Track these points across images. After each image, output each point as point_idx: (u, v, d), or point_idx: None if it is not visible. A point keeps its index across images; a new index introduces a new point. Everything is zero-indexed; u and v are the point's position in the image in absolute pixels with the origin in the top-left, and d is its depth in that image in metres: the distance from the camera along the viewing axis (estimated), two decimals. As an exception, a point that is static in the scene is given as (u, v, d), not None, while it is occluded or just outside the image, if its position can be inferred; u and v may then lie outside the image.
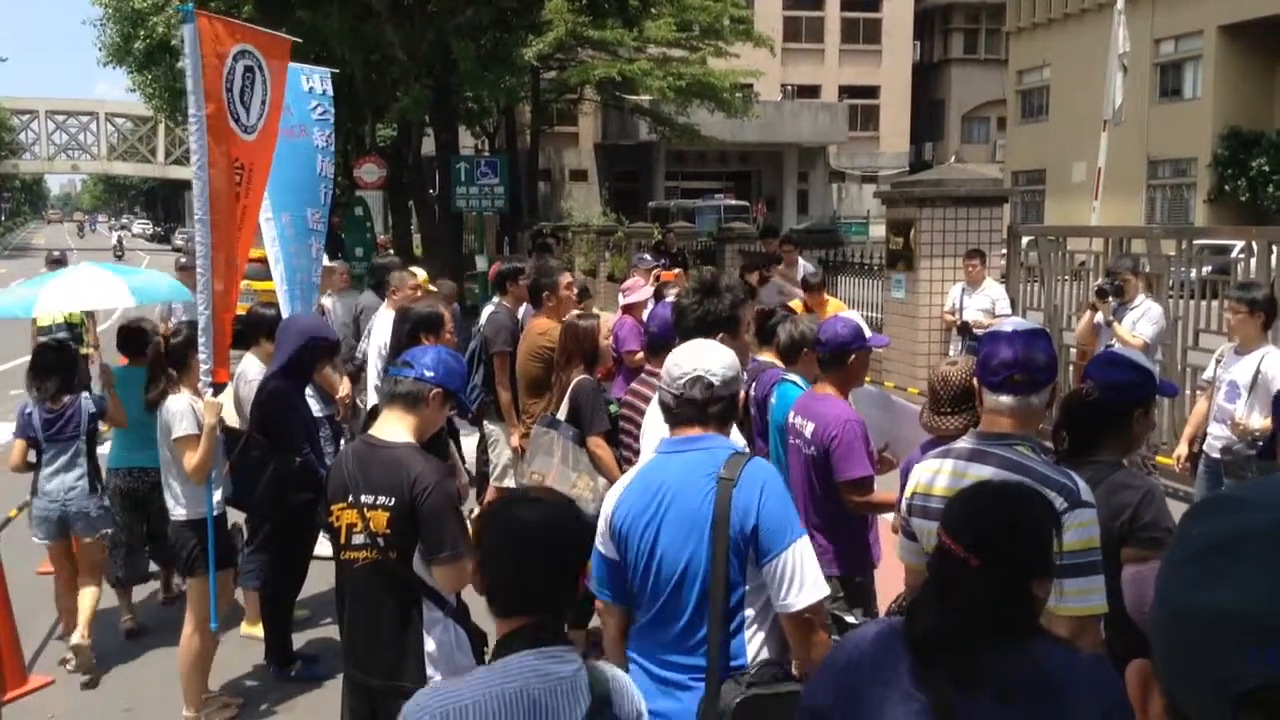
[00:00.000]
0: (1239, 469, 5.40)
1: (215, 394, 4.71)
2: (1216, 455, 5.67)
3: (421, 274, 8.10)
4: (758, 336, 4.57)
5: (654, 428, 3.29)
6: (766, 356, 4.62)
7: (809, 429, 3.83)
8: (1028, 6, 33.81)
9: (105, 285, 5.51)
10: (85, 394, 5.37)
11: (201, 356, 4.59)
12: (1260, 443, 5.07)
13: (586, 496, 4.36)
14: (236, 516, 5.28)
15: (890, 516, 3.28)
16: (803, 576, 2.43)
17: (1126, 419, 2.82)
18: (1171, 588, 0.73)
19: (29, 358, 5.59)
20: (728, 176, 37.29)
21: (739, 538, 2.43)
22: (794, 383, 4.23)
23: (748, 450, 2.75)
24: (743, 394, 3.12)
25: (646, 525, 2.50)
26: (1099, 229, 11.33)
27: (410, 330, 5.11)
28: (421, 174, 24.18)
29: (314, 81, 6.91)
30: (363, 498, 3.02)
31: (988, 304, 9.27)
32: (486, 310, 7.05)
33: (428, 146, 23.37)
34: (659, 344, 4.10)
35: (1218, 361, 5.86)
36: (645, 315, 6.17)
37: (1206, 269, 8.79)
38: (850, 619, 3.30)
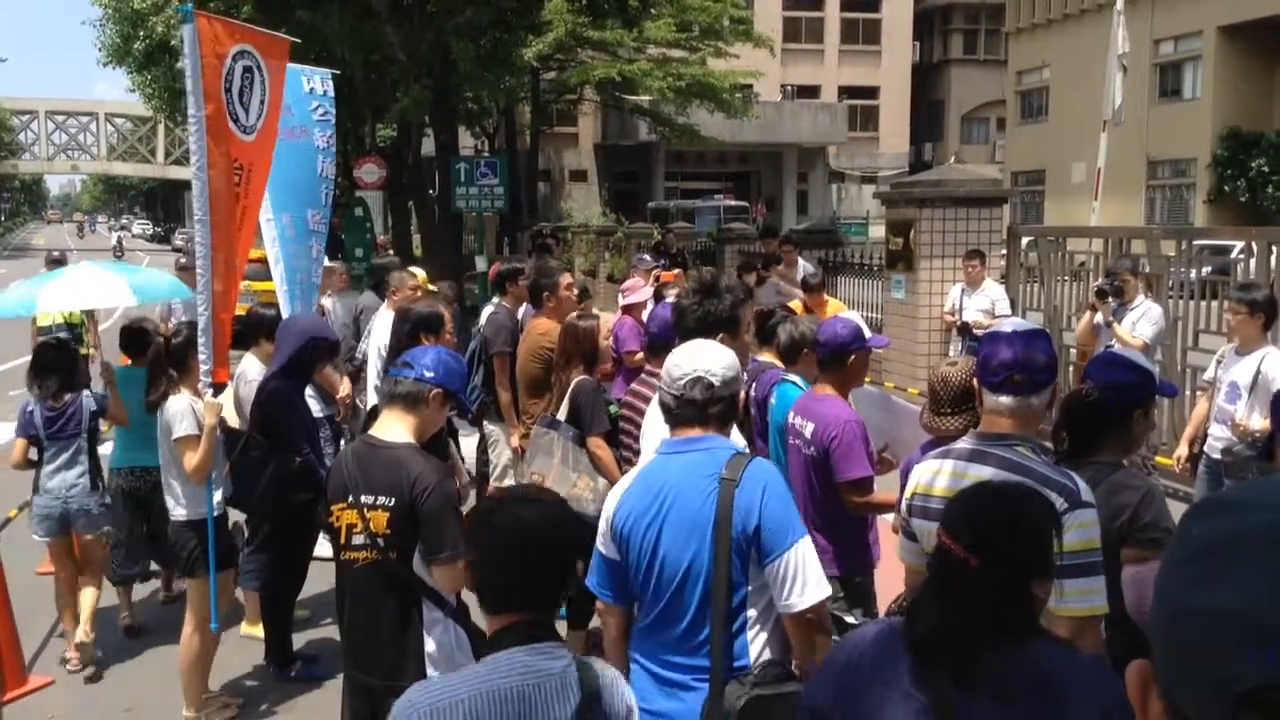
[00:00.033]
0: (1239, 470, 5.40)
1: (215, 394, 4.71)
2: (1217, 456, 5.67)
3: (421, 274, 8.10)
4: (758, 337, 4.57)
5: (654, 428, 3.29)
6: (766, 357, 4.62)
7: (809, 429, 3.83)
8: (1027, 7, 33.81)
9: (106, 283, 5.51)
10: (86, 392, 5.39)
11: (201, 357, 4.59)
12: (1259, 444, 5.07)
13: (586, 497, 4.36)
14: (237, 516, 5.29)
15: (890, 517, 3.29)
16: (805, 576, 2.43)
17: (1126, 419, 2.82)
18: (1171, 588, 0.73)
19: (29, 358, 5.60)
20: (727, 177, 37.29)
21: (741, 538, 2.43)
22: (794, 383, 4.23)
23: (748, 451, 2.75)
24: (743, 394, 3.12)
25: (648, 526, 2.51)
26: (1099, 229, 11.33)
27: (410, 330, 5.11)
28: (421, 174, 24.16)
29: (315, 82, 6.91)
30: (363, 498, 3.02)
31: (987, 304, 9.27)
32: (486, 311, 7.05)
33: (427, 147, 23.35)
34: (659, 344, 4.10)
35: (1218, 362, 5.86)
36: (645, 316, 6.18)
37: (1206, 269, 8.79)
38: (850, 619, 3.31)
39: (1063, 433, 2.87)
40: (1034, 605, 1.81)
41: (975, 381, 2.67)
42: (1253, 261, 8.00)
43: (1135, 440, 2.95)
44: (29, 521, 5.44)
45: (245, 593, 5.54)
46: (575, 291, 6.45)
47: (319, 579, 5.42)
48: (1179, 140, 27.62)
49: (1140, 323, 7.06)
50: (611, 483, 4.13)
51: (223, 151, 4.66)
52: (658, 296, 6.71)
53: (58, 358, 5.37)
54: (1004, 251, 10.44)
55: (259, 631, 5.37)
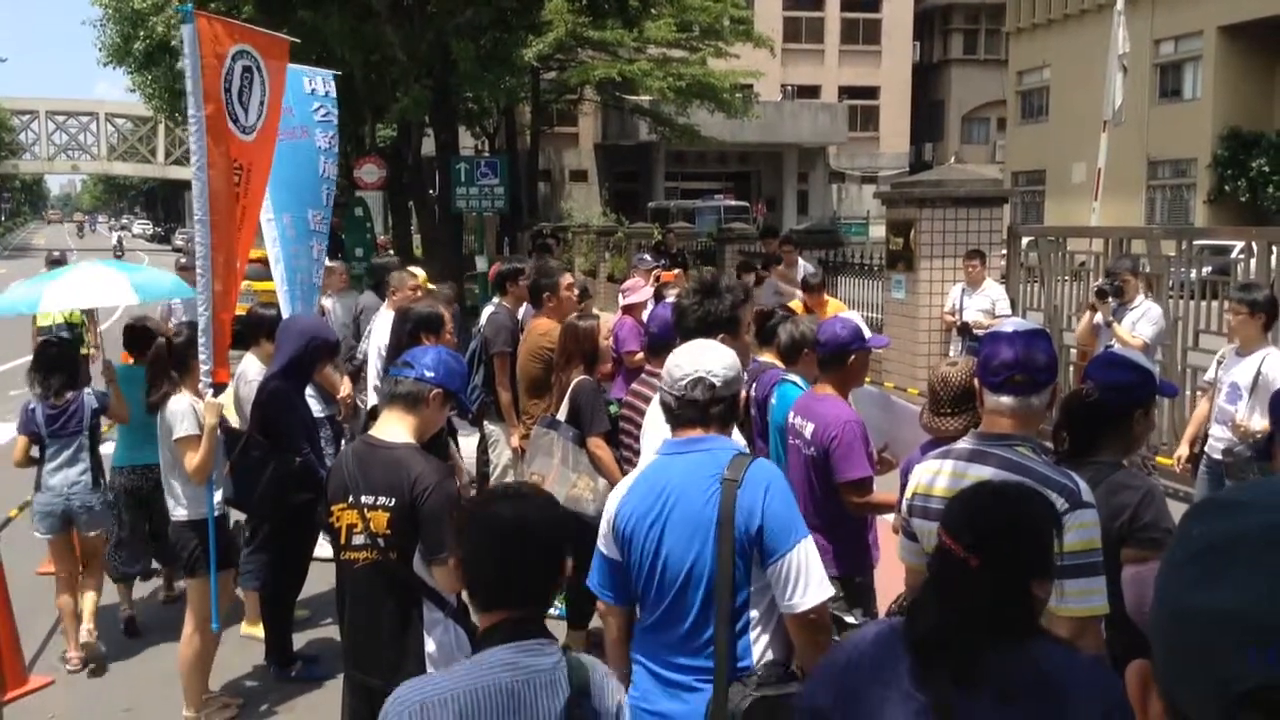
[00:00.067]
0: (1240, 470, 5.40)
1: (215, 394, 4.71)
2: (1218, 456, 5.67)
3: (421, 274, 8.10)
4: (758, 337, 4.57)
5: (654, 428, 3.29)
6: (767, 357, 4.62)
7: (809, 429, 3.83)
8: (1027, 7, 33.82)
9: (108, 282, 5.51)
10: (88, 390, 5.40)
11: (201, 357, 4.60)
12: (1260, 444, 5.07)
13: (586, 497, 4.37)
14: (237, 516, 5.29)
15: (890, 517, 3.29)
16: (808, 577, 2.43)
17: (1127, 419, 2.82)
18: (1171, 588, 0.73)
19: (29, 358, 5.60)
20: (728, 177, 37.29)
21: (744, 538, 2.43)
22: (794, 383, 4.23)
23: (749, 451, 2.75)
24: (743, 395, 3.12)
25: (651, 527, 2.50)
26: (1099, 229, 11.33)
27: (410, 330, 5.10)
28: (421, 174, 24.16)
29: (316, 83, 6.91)
30: (363, 498, 3.02)
31: (988, 304, 9.27)
32: (487, 311, 7.05)
33: (428, 147, 23.36)
34: (659, 345, 4.10)
35: (1219, 363, 5.86)
36: (645, 316, 6.18)
37: (1206, 269, 8.79)
38: (850, 619, 3.31)
39: (1063, 433, 2.87)
40: (1034, 605, 1.81)
41: (976, 381, 2.67)
42: (1253, 261, 8.00)
43: (1135, 440, 2.95)
44: (29, 521, 5.45)
45: (245, 593, 5.55)
46: (575, 291, 6.45)
47: (319, 579, 5.42)
48: (1179, 140, 27.63)
49: (1140, 323, 7.06)
50: (611, 483, 4.13)
51: (223, 151, 4.67)
52: (658, 296, 6.70)
53: (60, 356, 5.39)
54: (1004, 251, 10.45)
55: (259, 631, 5.38)
